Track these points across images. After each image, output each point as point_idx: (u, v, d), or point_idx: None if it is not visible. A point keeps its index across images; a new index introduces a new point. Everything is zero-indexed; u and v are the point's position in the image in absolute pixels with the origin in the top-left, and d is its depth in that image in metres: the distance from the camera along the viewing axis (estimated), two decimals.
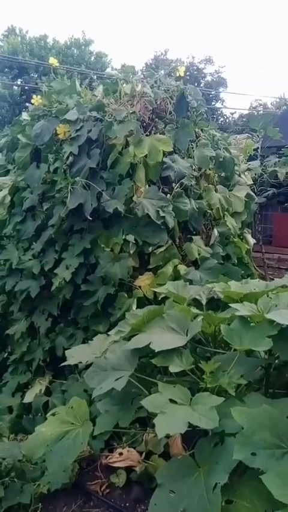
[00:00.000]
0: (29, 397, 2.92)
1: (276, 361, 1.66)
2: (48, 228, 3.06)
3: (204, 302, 2.10)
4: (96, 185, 2.77)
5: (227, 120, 25.78)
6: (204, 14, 58.55)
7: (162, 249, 2.79)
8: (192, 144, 3.17)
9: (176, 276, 2.76)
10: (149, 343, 1.57)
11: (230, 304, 1.74)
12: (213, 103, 26.43)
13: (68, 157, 2.93)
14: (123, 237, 2.75)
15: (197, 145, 3.18)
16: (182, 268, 2.80)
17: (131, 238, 2.73)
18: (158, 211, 2.71)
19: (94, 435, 1.75)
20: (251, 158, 4.64)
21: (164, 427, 1.22)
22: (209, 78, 27.58)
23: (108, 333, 2.13)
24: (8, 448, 2.29)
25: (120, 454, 2.20)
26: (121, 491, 2.13)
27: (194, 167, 3.09)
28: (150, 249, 2.79)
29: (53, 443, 1.59)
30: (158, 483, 1.27)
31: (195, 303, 2.10)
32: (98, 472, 2.25)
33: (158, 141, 2.82)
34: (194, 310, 1.80)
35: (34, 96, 3.30)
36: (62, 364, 2.18)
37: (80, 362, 1.97)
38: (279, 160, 5.05)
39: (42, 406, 2.79)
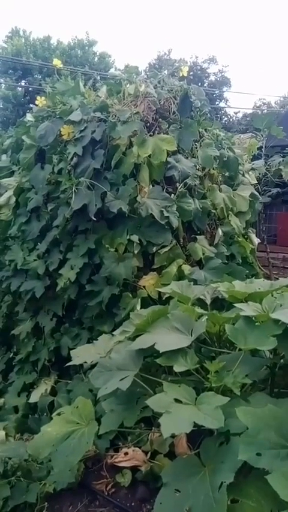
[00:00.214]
0: (34, 397, 2.94)
1: (282, 360, 1.66)
2: (52, 228, 3.07)
3: (208, 302, 2.10)
4: (101, 185, 2.78)
5: (231, 120, 25.73)
6: (207, 14, 58.48)
7: (166, 249, 2.79)
8: (196, 144, 3.17)
9: (180, 276, 2.76)
10: (154, 344, 1.57)
11: (234, 304, 1.74)
12: (217, 102, 26.41)
13: (72, 158, 2.94)
14: (128, 237, 2.75)
15: (200, 145, 3.18)
16: (187, 268, 2.80)
17: (135, 238, 2.73)
18: (162, 211, 2.71)
19: (99, 435, 1.76)
20: (255, 157, 4.63)
21: (169, 426, 1.23)
22: (212, 77, 27.58)
23: (113, 333, 2.13)
24: (14, 447, 2.30)
25: (126, 453, 2.20)
26: (126, 490, 2.13)
27: (198, 167, 3.09)
28: (155, 249, 2.79)
29: (59, 442, 1.60)
30: (164, 482, 1.27)
31: (200, 302, 2.10)
32: (103, 471, 2.26)
33: (161, 141, 2.82)
34: (199, 310, 1.80)
35: (38, 97, 3.31)
36: (67, 364, 2.18)
37: (85, 362, 1.98)
38: (283, 160, 5.03)
39: (47, 405, 2.80)
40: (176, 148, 2.90)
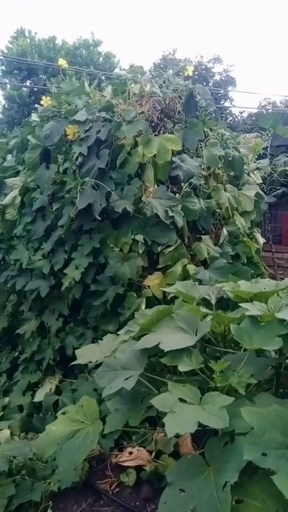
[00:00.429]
0: (39, 396, 2.95)
1: (287, 360, 1.65)
2: (57, 228, 3.08)
3: (213, 302, 2.10)
4: (105, 185, 2.78)
5: (236, 119, 25.63)
6: (212, 13, 58.34)
7: (171, 249, 2.78)
8: (201, 144, 3.17)
9: (185, 276, 2.75)
10: (158, 343, 1.57)
11: (239, 304, 1.74)
12: (222, 102, 26.34)
13: (77, 158, 2.95)
14: (132, 236, 2.75)
15: (205, 145, 3.17)
16: (191, 268, 2.80)
17: (140, 238, 2.73)
18: (167, 210, 2.71)
19: (104, 434, 1.76)
20: (260, 157, 4.62)
21: (173, 426, 1.22)
22: (217, 77, 27.50)
23: (118, 332, 2.13)
24: (19, 446, 2.31)
25: (130, 453, 2.20)
26: (131, 490, 2.13)
27: (203, 166, 3.08)
28: (159, 248, 2.79)
29: (64, 441, 1.60)
30: (168, 482, 1.27)
31: (205, 302, 2.09)
32: (108, 471, 2.26)
33: (166, 141, 2.81)
34: (204, 310, 1.79)
35: (43, 97, 3.32)
36: (72, 364, 2.19)
37: (90, 362, 1.98)
38: None
39: (52, 405, 2.81)
40: (181, 148, 2.90)
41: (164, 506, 1.21)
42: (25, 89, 22.51)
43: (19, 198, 3.47)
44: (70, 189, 2.97)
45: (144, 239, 2.74)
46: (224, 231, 3.17)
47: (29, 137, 3.32)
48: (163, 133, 2.99)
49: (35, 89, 21.47)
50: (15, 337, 3.61)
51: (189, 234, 3.00)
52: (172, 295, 2.36)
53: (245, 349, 1.56)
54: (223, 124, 3.67)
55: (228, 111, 26.29)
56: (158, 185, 2.86)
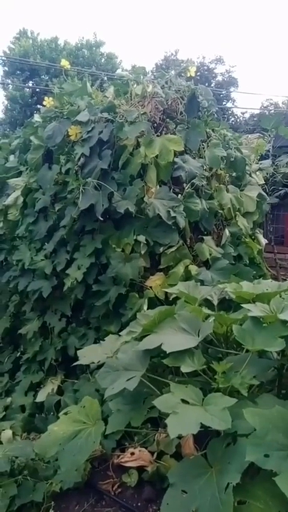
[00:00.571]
0: (41, 396, 2.95)
1: None
2: (60, 228, 3.09)
3: (215, 302, 2.09)
4: (108, 186, 2.79)
5: (238, 120, 25.62)
6: (214, 14, 58.34)
7: (173, 249, 2.78)
8: (203, 144, 3.16)
9: (187, 277, 2.75)
10: (161, 344, 1.57)
11: (242, 305, 1.73)
12: (224, 103, 26.32)
13: (79, 159, 2.95)
14: (134, 237, 2.75)
15: (208, 145, 3.17)
16: (193, 269, 2.80)
17: (142, 238, 2.73)
18: (169, 211, 2.71)
19: (106, 434, 1.76)
20: (262, 158, 4.61)
21: (176, 427, 1.22)
22: (219, 78, 27.48)
23: (120, 333, 2.14)
24: (21, 446, 2.32)
25: (132, 453, 2.21)
26: (133, 490, 2.13)
27: (205, 167, 3.08)
28: (161, 249, 2.79)
29: (66, 442, 1.60)
30: (170, 483, 1.27)
31: (207, 303, 2.09)
32: (109, 471, 2.26)
33: (168, 141, 2.82)
34: (206, 311, 1.79)
35: (46, 98, 3.33)
36: (74, 364, 2.19)
37: (92, 362, 1.98)
38: None
39: (54, 405, 2.82)
40: (183, 149, 2.90)
41: (167, 508, 1.21)
42: (27, 89, 22.55)
43: (21, 199, 3.48)
44: (72, 190, 2.97)
45: (146, 240, 2.74)
46: (226, 231, 3.17)
47: (32, 138, 3.33)
48: (165, 134, 2.99)
49: (37, 90, 21.50)
50: (17, 338, 3.62)
51: (191, 234, 3.00)
52: (174, 295, 2.36)
53: (247, 350, 1.56)
54: (225, 125, 3.67)
55: (230, 112, 26.30)
56: (160, 186, 2.86)
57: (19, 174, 3.73)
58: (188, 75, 3.15)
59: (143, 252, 2.74)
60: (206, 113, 3.31)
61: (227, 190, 3.29)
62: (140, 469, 2.18)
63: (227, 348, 1.84)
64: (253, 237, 3.66)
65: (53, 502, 2.11)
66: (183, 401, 1.35)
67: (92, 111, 3.01)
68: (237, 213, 3.34)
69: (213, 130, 3.39)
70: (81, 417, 1.71)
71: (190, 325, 1.69)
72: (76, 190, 2.92)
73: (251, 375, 1.45)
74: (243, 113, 26.21)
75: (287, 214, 9.03)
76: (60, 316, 3.15)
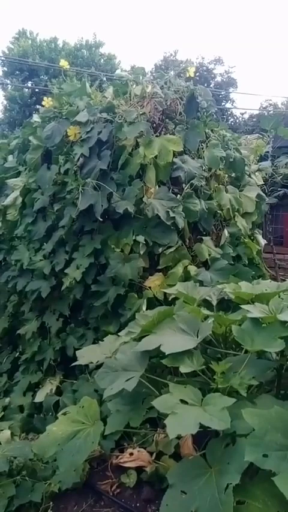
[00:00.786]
0: (40, 397, 2.95)
1: None
2: (58, 228, 3.09)
3: (214, 303, 2.10)
4: (107, 186, 2.78)
5: (237, 121, 25.66)
6: (213, 15, 58.38)
7: (172, 250, 2.78)
8: (202, 145, 3.17)
9: (186, 277, 2.75)
10: (160, 345, 1.57)
11: (241, 305, 1.74)
12: (223, 103, 26.34)
13: (78, 159, 2.95)
14: (133, 237, 2.75)
15: (207, 146, 3.18)
16: (193, 269, 2.80)
17: (141, 239, 2.73)
18: (168, 212, 2.71)
19: (105, 435, 1.76)
20: (261, 158, 4.62)
21: (175, 427, 1.22)
22: (218, 78, 27.51)
23: (119, 333, 2.13)
24: (20, 447, 2.31)
25: (131, 454, 2.20)
26: (131, 491, 2.13)
27: (204, 167, 3.08)
28: (160, 249, 2.79)
29: (64, 442, 1.60)
30: (170, 484, 1.26)
31: (206, 303, 2.09)
32: (108, 472, 2.26)
33: (168, 142, 2.82)
34: (205, 311, 1.79)
35: (45, 98, 3.33)
36: (72, 364, 2.19)
37: (91, 362, 1.98)
38: None
39: (53, 405, 2.81)
40: (182, 149, 2.90)
41: (166, 508, 1.21)
42: (26, 89, 22.52)
43: (20, 199, 3.48)
44: (71, 190, 2.97)
45: (145, 240, 2.74)
46: (225, 232, 3.17)
47: (31, 138, 3.32)
48: (164, 134, 2.99)
49: (36, 90, 21.48)
50: (16, 338, 3.61)
51: (190, 235, 3.00)
52: (173, 296, 2.36)
53: (246, 351, 1.56)
54: (224, 125, 3.67)
55: (229, 113, 26.33)
56: (159, 186, 2.86)
57: (18, 174, 3.73)
58: (187, 75, 3.15)
59: (142, 253, 2.74)
60: (205, 114, 3.31)
61: (226, 191, 3.29)
62: (139, 470, 2.18)
63: (226, 348, 1.84)
64: (252, 238, 3.66)
65: (51, 503, 2.10)
66: (182, 401, 1.35)
67: (91, 111, 3.01)
68: (236, 213, 3.34)
69: (212, 130, 3.39)
70: (80, 417, 1.71)
71: (189, 326, 1.69)
72: (75, 190, 2.92)
73: (250, 376, 1.45)
74: (242, 114, 26.28)
75: (286, 214, 9.05)
76: (58, 316, 3.15)
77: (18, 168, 3.76)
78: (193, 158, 3.06)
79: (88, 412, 1.72)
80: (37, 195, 3.29)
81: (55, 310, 3.19)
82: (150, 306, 2.59)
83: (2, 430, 2.65)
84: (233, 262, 3.08)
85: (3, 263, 3.85)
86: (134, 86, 3.19)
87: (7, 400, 3.12)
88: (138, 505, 2.06)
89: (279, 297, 1.74)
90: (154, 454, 2.18)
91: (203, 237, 3.03)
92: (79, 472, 2.16)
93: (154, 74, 3.54)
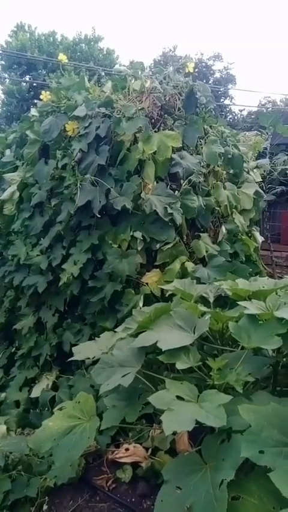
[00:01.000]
0: (36, 392, 2.95)
1: (284, 359, 1.65)
2: (56, 224, 3.07)
3: (211, 300, 2.10)
4: (105, 182, 2.77)
5: (236, 117, 25.63)
6: (213, 10, 58.11)
7: (169, 246, 2.78)
8: (200, 141, 3.15)
9: (183, 273, 2.75)
10: (156, 342, 1.57)
11: (238, 302, 1.73)
12: (222, 100, 26.26)
13: (76, 154, 2.93)
14: (131, 233, 2.75)
15: (205, 142, 3.16)
16: (190, 266, 2.79)
17: (138, 235, 2.72)
18: (166, 208, 2.70)
19: (101, 430, 1.76)
20: (260, 156, 4.61)
21: (171, 424, 1.22)
22: (217, 74, 27.42)
23: (115, 330, 2.13)
24: (15, 442, 2.31)
25: (127, 449, 2.21)
26: (127, 486, 2.14)
27: (202, 164, 3.07)
28: (158, 245, 2.78)
29: (60, 437, 1.60)
30: (165, 479, 1.27)
31: (203, 300, 2.09)
32: (104, 467, 2.26)
33: (167, 137, 2.80)
34: (202, 308, 1.79)
35: (43, 92, 3.31)
36: (69, 360, 2.19)
37: (88, 358, 1.98)
38: None
39: (49, 400, 2.81)
40: (181, 145, 2.89)
41: (161, 504, 1.21)
42: (24, 83, 22.36)
43: (17, 193, 3.46)
44: (69, 185, 2.95)
45: (142, 236, 2.73)
46: (223, 229, 3.16)
47: (28, 132, 3.30)
48: (163, 129, 2.97)
49: (34, 84, 21.33)
50: (12, 333, 3.61)
51: (187, 231, 2.99)
52: (170, 292, 2.36)
53: (243, 347, 1.56)
54: (223, 122, 3.66)
55: (228, 109, 26.29)
56: (157, 182, 2.85)
57: (15, 168, 3.70)
58: (187, 71, 3.13)
59: (139, 249, 2.73)
60: (203, 110, 3.29)
61: (224, 187, 3.28)
62: (135, 465, 2.19)
63: (222, 344, 1.84)
64: (249, 235, 3.66)
65: (47, 498, 2.11)
66: (179, 397, 1.35)
67: (89, 106, 2.99)
68: (234, 210, 3.34)
69: (210, 127, 3.38)
70: (76, 413, 1.71)
71: (186, 322, 1.69)
72: (73, 185, 2.90)
73: (246, 372, 1.45)
74: (241, 110, 26.26)
75: (284, 212, 9.07)
76: (54, 312, 3.14)
77: (16, 163, 3.74)
78: (191, 154, 3.05)
79: (84, 407, 1.72)
80: (34, 189, 3.27)
81: (51, 306, 3.18)
82: (147, 302, 2.58)
83: None
84: (230, 259, 3.08)
85: None
86: (133, 80, 3.16)
87: (3, 395, 3.12)
88: (133, 500, 2.06)
89: (276, 294, 1.74)
90: (150, 450, 2.19)
91: (201, 234, 3.03)
92: (75, 467, 2.16)
93: (153, 69, 3.52)
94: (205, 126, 3.24)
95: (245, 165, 3.62)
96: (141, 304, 2.59)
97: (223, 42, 57.78)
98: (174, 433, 1.88)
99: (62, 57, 3.43)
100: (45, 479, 2.15)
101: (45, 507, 2.07)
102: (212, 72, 27.41)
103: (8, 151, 3.97)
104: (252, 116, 22.29)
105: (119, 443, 2.33)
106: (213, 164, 3.17)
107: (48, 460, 2.18)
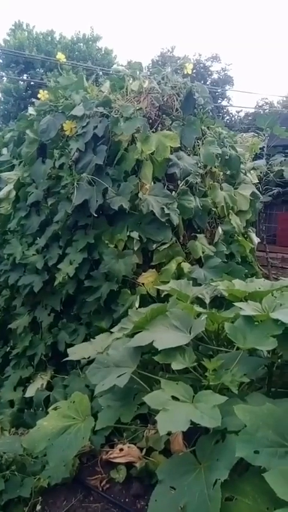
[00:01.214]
0: (30, 392, 2.93)
1: (279, 360, 1.66)
2: (52, 223, 3.06)
3: (207, 301, 2.10)
4: (102, 181, 2.76)
5: (233, 119, 25.68)
6: (211, 11, 58.26)
7: (165, 246, 2.78)
8: (198, 142, 3.16)
9: (179, 274, 2.75)
10: (152, 341, 1.57)
11: (234, 303, 1.74)
12: (219, 101, 26.31)
13: (73, 153, 2.92)
14: (128, 233, 2.74)
15: (203, 143, 3.17)
16: (186, 266, 2.80)
17: (135, 235, 2.72)
18: (163, 208, 2.70)
19: (95, 430, 1.76)
20: (256, 157, 4.63)
21: (166, 424, 1.22)
22: (215, 75, 27.44)
23: (111, 330, 2.13)
24: (9, 442, 2.30)
25: (121, 449, 2.20)
26: (121, 486, 2.13)
27: (199, 164, 3.08)
28: (154, 246, 2.78)
29: (55, 437, 1.60)
30: (159, 479, 1.27)
31: (199, 301, 2.09)
32: (98, 467, 2.26)
33: (165, 138, 2.80)
34: (198, 308, 1.79)
35: (41, 91, 3.29)
36: (64, 359, 2.18)
37: (83, 358, 1.98)
38: (285, 159, 5.03)
39: (43, 400, 2.80)
40: (179, 146, 2.89)
41: (155, 504, 1.21)
42: (22, 82, 22.28)
43: (14, 192, 3.45)
44: (66, 185, 2.94)
45: (139, 236, 2.73)
46: (219, 229, 3.17)
47: (27, 131, 3.29)
48: (161, 130, 2.97)
49: (32, 83, 21.26)
50: (7, 332, 3.59)
51: (184, 232, 2.99)
52: (166, 292, 2.36)
53: (238, 348, 1.56)
54: (220, 123, 3.67)
55: (225, 110, 26.32)
56: (154, 182, 2.85)
57: (12, 167, 3.69)
58: (185, 72, 3.13)
59: (136, 249, 2.73)
60: (201, 111, 3.30)
61: (221, 188, 3.29)
62: (129, 465, 2.18)
63: (218, 345, 1.85)
64: (246, 236, 3.67)
65: (40, 498, 2.10)
66: (174, 398, 1.35)
67: (87, 105, 2.99)
68: (231, 211, 3.35)
69: (208, 128, 3.38)
70: (71, 413, 1.70)
71: (182, 323, 1.69)
72: (70, 185, 2.89)
73: (242, 373, 1.45)
74: (238, 112, 26.30)
75: (280, 213, 9.10)
76: (50, 311, 3.13)
77: (13, 162, 3.73)
78: (189, 155, 3.05)
79: (79, 407, 1.71)
80: (31, 189, 3.26)
81: (47, 305, 3.17)
82: (142, 303, 2.58)
83: None
84: (226, 260, 3.09)
85: None
86: (131, 80, 3.16)
87: None
88: (127, 500, 2.06)
89: (272, 295, 1.74)
90: (144, 450, 2.19)
91: (197, 234, 3.03)
92: (69, 467, 2.16)
93: (151, 70, 3.52)
94: (203, 127, 3.25)
95: (242, 166, 3.63)
96: (137, 305, 2.59)
97: (221, 44, 58.01)
98: (169, 434, 1.88)
99: (60, 56, 3.42)
100: (39, 479, 2.14)
101: (38, 507, 2.06)
102: (209, 73, 27.45)
103: (4, 150, 3.95)
104: (249, 117, 22.36)
105: (113, 443, 2.33)
106: (210, 165, 3.17)
107: (42, 460, 2.17)
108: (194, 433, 1.47)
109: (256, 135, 4.71)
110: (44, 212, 3.17)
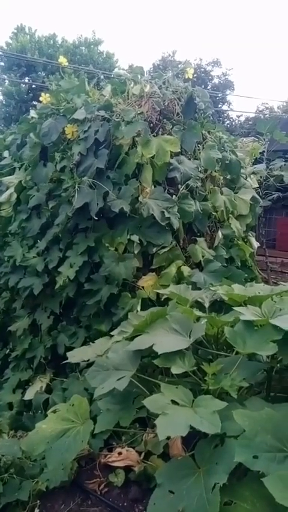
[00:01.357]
0: (29, 394, 2.93)
1: (278, 365, 1.66)
2: (53, 226, 3.07)
3: (207, 305, 2.10)
4: (103, 185, 2.77)
5: (233, 123, 25.75)
6: (212, 16, 58.56)
7: (166, 250, 2.78)
8: (198, 146, 3.17)
9: (179, 278, 2.75)
10: (152, 345, 1.57)
11: (233, 308, 1.74)
12: (220, 105, 26.41)
13: (75, 157, 2.93)
14: (128, 236, 2.75)
15: (203, 147, 3.18)
16: (186, 270, 2.80)
17: (135, 238, 2.73)
18: (163, 212, 2.71)
19: (94, 434, 1.75)
20: (257, 161, 4.64)
21: (165, 428, 1.22)
22: (216, 80, 27.57)
23: (111, 333, 2.13)
24: (8, 444, 2.29)
25: (120, 453, 2.20)
26: (119, 490, 2.13)
27: (200, 169, 3.09)
28: (154, 249, 2.79)
29: (53, 440, 1.59)
30: (158, 483, 1.26)
31: (198, 305, 2.10)
32: (96, 471, 2.25)
33: (165, 142, 2.81)
34: (197, 312, 1.80)
35: (42, 94, 3.30)
36: (63, 362, 2.18)
37: (83, 360, 1.98)
38: (285, 164, 5.05)
39: (42, 403, 2.79)
40: (179, 150, 2.90)
41: (153, 508, 1.21)
42: (23, 85, 22.37)
43: (15, 195, 3.45)
44: (67, 188, 2.95)
45: (139, 239, 2.74)
46: (219, 233, 3.18)
47: (31, 135, 3.30)
48: (161, 134, 2.99)
49: (34, 86, 21.36)
50: (6, 335, 3.59)
51: (184, 235, 3.00)
52: (165, 296, 2.36)
53: (237, 352, 1.57)
54: (221, 127, 3.68)
55: (226, 115, 26.41)
56: (155, 186, 2.86)
57: (13, 170, 3.70)
58: (186, 76, 3.15)
59: (136, 252, 2.73)
60: (202, 115, 3.31)
61: (221, 193, 3.30)
62: (127, 469, 2.18)
63: (217, 349, 1.85)
64: (245, 240, 3.67)
65: (38, 501, 2.09)
66: (173, 402, 1.35)
67: (88, 109, 3.00)
68: (231, 215, 3.35)
69: (208, 132, 3.39)
70: (70, 416, 1.70)
71: (182, 326, 1.69)
72: (71, 188, 2.90)
73: (241, 377, 1.45)
74: (238, 116, 26.39)
75: (279, 218, 9.12)
76: (50, 314, 3.13)
77: (14, 165, 3.74)
78: (189, 159, 3.07)
79: (78, 410, 1.71)
80: (32, 192, 3.26)
81: (47, 308, 3.17)
82: (142, 306, 2.58)
83: None
84: (226, 264, 3.09)
85: None
86: (132, 85, 3.18)
87: None
88: (125, 504, 2.06)
89: (272, 300, 1.75)
90: (143, 454, 2.18)
91: (197, 238, 3.04)
92: (67, 471, 2.15)
93: (152, 74, 3.53)
94: (203, 132, 3.26)
95: (242, 170, 3.64)
96: (138, 308, 2.59)
97: (222, 48, 58.29)
98: (168, 438, 1.88)
99: (62, 60, 3.44)
100: (37, 482, 2.13)
101: (36, 511, 2.05)
102: (210, 77, 27.57)
103: (6, 153, 3.96)
104: (250, 122, 22.43)
105: (112, 447, 2.32)
106: (210, 169, 3.18)
107: (41, 463, 2.17)
108: (192, 437, 1.47)
109: (256, 139, 4.73)
110: (45, 215, 3.17)
